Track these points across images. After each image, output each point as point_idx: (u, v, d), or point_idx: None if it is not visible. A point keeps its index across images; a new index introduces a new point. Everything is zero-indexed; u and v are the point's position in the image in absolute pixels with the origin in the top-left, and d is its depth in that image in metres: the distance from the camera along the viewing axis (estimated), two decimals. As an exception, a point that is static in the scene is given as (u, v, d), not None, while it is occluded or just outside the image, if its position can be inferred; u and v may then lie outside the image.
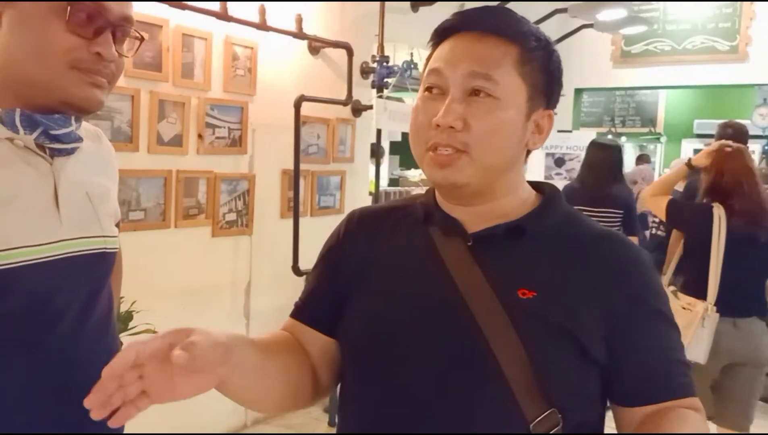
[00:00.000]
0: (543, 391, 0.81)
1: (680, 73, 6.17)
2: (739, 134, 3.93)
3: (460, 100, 0.85)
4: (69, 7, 0.92)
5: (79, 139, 1.04)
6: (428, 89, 0.89)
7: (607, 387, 0.87)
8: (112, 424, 0.74)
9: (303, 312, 0.99)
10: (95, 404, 0.72)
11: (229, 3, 2.99)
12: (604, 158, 3.79)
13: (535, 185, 0.98)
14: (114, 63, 0.99)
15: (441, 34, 0.90)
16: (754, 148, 9.71)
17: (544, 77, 0.90)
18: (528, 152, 0.94)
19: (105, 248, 1.09)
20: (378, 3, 3.80)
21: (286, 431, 3.50)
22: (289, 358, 0.94)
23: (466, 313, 0.84)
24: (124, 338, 2.46)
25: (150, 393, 0.75)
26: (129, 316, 2.38)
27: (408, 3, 4.39)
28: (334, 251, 1.01)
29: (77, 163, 1.05)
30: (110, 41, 0.97)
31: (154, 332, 2.53)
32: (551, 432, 0.81)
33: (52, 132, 0.97)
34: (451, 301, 0.85)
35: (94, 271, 1.07)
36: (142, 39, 1.07)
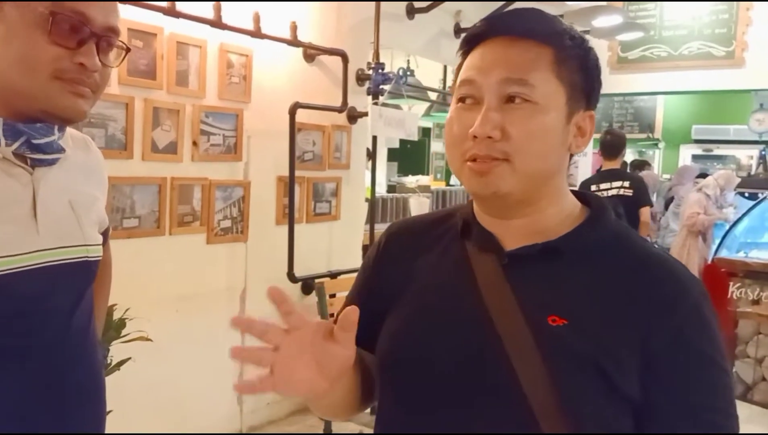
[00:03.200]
0: (569, 425, 0.77)
1: (677, 79, 6.18)
2: (618, 140, 4.80)
3: (497, 108, 0.82)
4: (51, 19, 0.93)
5: (61, 150, 1.04)
6: (461, 99, 0.86)
7: (639, 428, 0.80)
8: (238, 390, 0.78)
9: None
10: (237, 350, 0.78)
11: (223, 10, 3.00)
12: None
13: (581, 197, 0.92)
14: (98, 73, 1.00)
15: (470, 42, 0.87)
16: (752, 153, 9.77)
17: (583, 76, 0.86)
18: (570, 157, 0.89)
19: (87, 257, 1.09)
20: (373, 10, 3.81)
21: (281, 438, 3.49)
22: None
23: (493, 337, 0.81)
24: (117, 346, 2.47)
25: (275, 371, 0.77)
26: (122, 323, 2.37)
27: (404, 10, 4.40)
28: (369, 268, 1.01)
29: (60, 172, 1.05)
30: (93, 52, 0.98)
31: (148, 340, 2.50)
32: None
33: (35, 141, 0.98)
34: (479, 322, 0.82)
35: (75, 279, 1.08)
36: (127, 50, 1.08)
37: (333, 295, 3.64)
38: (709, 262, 5.10)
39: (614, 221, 0.89)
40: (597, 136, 9.63)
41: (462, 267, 0.88)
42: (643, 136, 10.07)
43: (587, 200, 0.92)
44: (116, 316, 2.36)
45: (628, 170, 5.30)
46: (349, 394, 0.90)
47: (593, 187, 4.63)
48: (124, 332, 2.40)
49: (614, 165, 4.78)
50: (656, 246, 4.15)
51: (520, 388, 0.78)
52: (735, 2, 5.83)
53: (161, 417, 2.98)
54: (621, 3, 6.29)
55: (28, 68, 0.94)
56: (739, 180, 4.93)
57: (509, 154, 0.81)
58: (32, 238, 0.98)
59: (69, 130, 1.11)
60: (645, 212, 4.59)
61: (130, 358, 2.40)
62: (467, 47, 0.88)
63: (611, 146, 4.78)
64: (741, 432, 0.82)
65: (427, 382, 0.85)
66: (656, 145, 10.44)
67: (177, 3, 2.81)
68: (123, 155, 2.77)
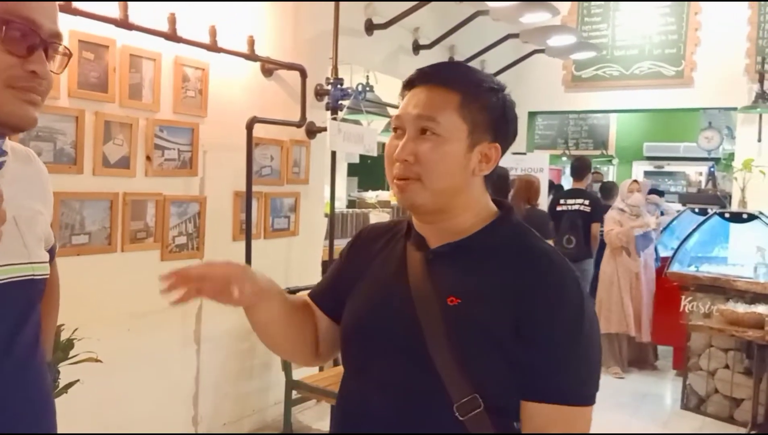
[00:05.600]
0: (465, 380, 1.01)
1: (629, 98, 6.36)
2: (583, 164, 5.90)
3: (413, 139, 1.07)
4: (4, 27, 0.90)
5: (4, 153, 1.01)
6: (394, 130, 1.11)
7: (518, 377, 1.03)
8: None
9: (316, 295, 1.28)
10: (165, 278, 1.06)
11: (178, 23, 2.95)
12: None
13: (497, 202, 1.17)
14: (46, 80, 0.97)
15: (405, 87, 1.12)
16: (701, 169, 10.09)
17: (486, 116, 1.09)
18: (488, 176, 1.13)
19: (33, 275, 1.04)
20: (332, 24, 3.81)
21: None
22: (304, 318, 1.24)
23: (413, 316, 1.06)
24: (65, 368, 2.37)
25: (204, 288, 1.08)
26: (69, 344, 2.28)
27: (363, 25, 4.42)
28: (343, 255, 1.29)
29: (3, 186, 1.00)
30: (44, 59, 0.96)
31: (98, 361, 2.41)
32: (472, 412, 1.01)
33: None
34: (405, 303, 1.08)
35: (21, 298, 1.03)
36: (70, 55, 1.05)
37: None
38: (652, 273, 5.25)
39: (516, 223, 1.14)
40: (557, 154, 9.79)
41: (399, 262, 1.15)
42: (598, 152, 10.31)
43: (501, 206, 1.16)
44: (64, 336, 2.28)
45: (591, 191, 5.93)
46: (274, 324, 1.19)
47: (561, 201, 5.56)
48: (72, 353, 2.31)
49: (580, 185, 5.70)
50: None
51: (429, 355, 1.03)
52: (684, 23, 6.03)
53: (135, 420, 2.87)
54: (574, 23, 6.45)
55: None
56: (650, 184, 5.25)
57: (420, 175, 1.06)
58: None
59: (10, 143, 1.06)
60: (595, 227, 5.40)
61: (78, 381, 2.31)
62: (404, 91, 1.13)
63: (577, 169, 5.76)
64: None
65: (365, 347, 1.13)
66: (610, 161, 10.69)
67: (130, 15, 2.75)
68: (72, 170, 2.68)
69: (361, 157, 6.92)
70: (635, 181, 5.47)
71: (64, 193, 2.65)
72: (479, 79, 1.11)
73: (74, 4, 2.50)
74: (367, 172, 8.80)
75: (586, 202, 5.47)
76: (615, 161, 10.74)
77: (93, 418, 2.73)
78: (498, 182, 5.15)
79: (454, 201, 1.10)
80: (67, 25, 2.50)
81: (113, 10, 2.71)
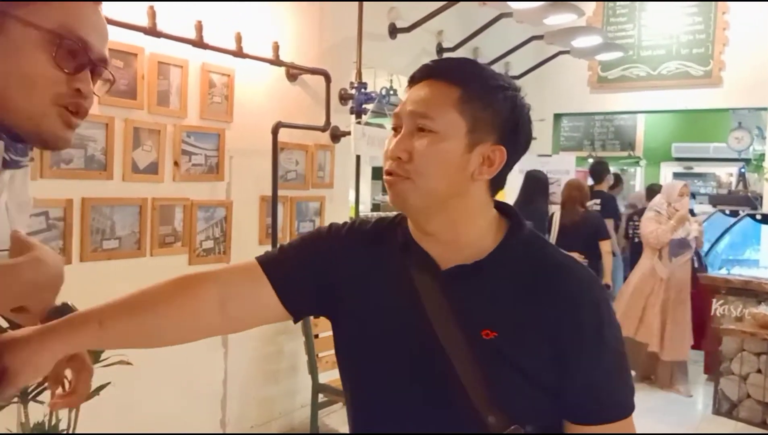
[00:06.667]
0: (504, 413, 0.96)
1: (656, 98, 6.27)
2: (601, 167, 6.16)
3: (409, 135, 1.00)
4: (58, 41, 0.92)
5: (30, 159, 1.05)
6: (394, 129, 1.05)
7: (556, 408, 1.00)
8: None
9: (269, 265, 1.10)
10: None
11: (205, 30, 2.99)
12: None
13: (498, 206, 1.08)
14: (88, 99, 1.00)
15: (409, 83, 1.06)
16: (731, 170, 9.90)
17: (489, 115, 1.00)
18: (494, 183, 1.03)
19: None
20: (355, 29, 3.83)
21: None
22: (183, 302, 1.07)
23: (438, 347, 0.98)
24: (96, 370, 2.40)
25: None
26: (100, 347, 2.32)
27: (386, 29, 4.43)
28: (326, 242, 1.13)
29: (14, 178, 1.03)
30: (89, 79, 0.97)
31: (128, 364, 2.44)
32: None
33: (8, 155, 0.96)
34: (425, 334, 0.99)
35: None
36: (113, 82, 1.07)
37: (317, 316, 3.60)
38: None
39: (528, 233, 1.06)
40: (582, 155, 9.69)
41: (406, 285, 1.03)
42: (625, 154, 10.18)
43: (507, 213, 1.08)
44: (94, 339, 2.31)
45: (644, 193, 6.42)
46: (133, 338, 1.09)
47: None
48: (103, 356, 2.35)
49: (601, 187, 5.92)
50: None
51: (463, 387, 0.96)
52: (712, 23, 5.94)
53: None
54: (599, 24, 6.39)
55: (28, 87, 0.93)
56: (683, 184, 5.00)
57: (410, 173, 0.98)
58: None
59: None
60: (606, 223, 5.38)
61: (109, 383, 2.34)
62: (408, 87, 1.06)
63: (596, 172, 6.01)
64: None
65: (384, 385, 1.04)
66: (637, 163, 10.55)
67: (158, 23, 2.80)
68: (102, 176, 2.74)
69: (386, 160, 6.96)
70: (686, 184, 5.05)
71: (95, 198, 2.70)
72: (485, 75, 1.03)
73: (105, 13, 2.55)
74: (391, 175, 8.82)
75: (598, 201, 5.55)
76: (642, 163, 10.59)
77: (123, 420, 2.77)
78: (537, 186, 5.16)
79: (450, 206, 1.01)
80: (97, 34, 2.55)
81: (141, 19, 2.76)
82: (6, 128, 0.95)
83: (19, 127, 0.95)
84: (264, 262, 1.10)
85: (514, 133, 1.03)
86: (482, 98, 1.00)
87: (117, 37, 2.70)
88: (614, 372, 1.01)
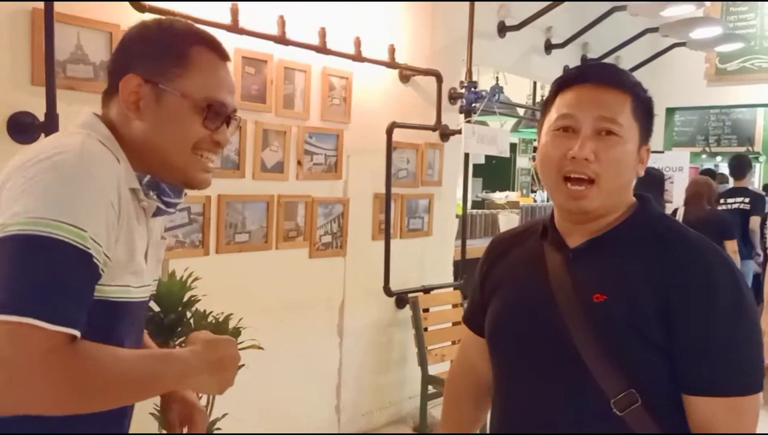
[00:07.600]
0: (619, 375, 1.02)
1: (780, 91, 5.92)
2: (744, 162, 5.66)
3: (592, 138, 1.08)
4: (208, 108, 1.09)
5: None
6: (561, 129, 1.11)
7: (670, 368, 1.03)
8: None
9: (468, 320, 1.37)
10: None
11: (327, 36, 3.16)
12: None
13: (637, 196, 1.19)
14: (224, 147, 1.18)
15: (563, 85, 1.13)
16: None
17: (648, 119, 1.14)
18: (646, 178, 1.21)
19: (153, 292, 1.25)
20: (466, 29, 3.90)
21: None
22: (472, 401, 1.38)
23: (557, 315, 1.09)
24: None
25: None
26: (237, 332, 2.52)
27: (495, 28, 4.46)
28: (479, 271, 1.33)
29: (158, 224, 1.21)
30: (226, 130, 1.15)
31: (260, 348, 2.63)
32: (630, 407, 1.01)
33: (166, 199, 1.14)
34: (547, 303, 1.11)
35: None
36: (240, 126, 1.23)
37: (426, 310, 3.72)
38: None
39: (658, 213, 1.16)
40: (696, 151, 9.15)
41: (538, 263, 1.16)
42: (743, 149, 9.60)
43: (640, 199, 1.17)
44: (231, 324, 2.52)
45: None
46: None
47: (722, 200, 5.47)
48: (239, 340, 2.56)
49: (742, 183, 5.65)
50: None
51: (578, 353, 1.04)
52: None
53: (267, 420, 3.13)
54: (719, 14, 6.10)
55: (181, 146, 1.10)
56: None
57: (598, 175, 1.07)
58: (143, 275, 1.13)
59: None
60: (753, 220, 5.35)
61: (243, 365, 2.54)
62: (558, 89, 1.14)
63: (737, 168, 5.69)
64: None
65: (510, 350, 1.19)
66: (757, 158, 9.92)
67: (286, 32, 2.99)
68: (236, 174, 2.97)
69: (486, 157, 6.95)
70: None
71: (230, 195, 2.93)
72: (640, 84, 1.14)
73: (241, 24, 2.77)
74: (492, 173, 8.78)
75: (746, 199, 5.31)
76: (762, 158, 9.95)
77: (251, 399, 2.99)
78: (652, 183, 4.99)
79: (615, 201, 1.11)
80: (233, 43, 2.78)
81: (272, 27, 2.96)
82: (159, 175, 1.12)
83: (168, 175, 1.12)
84: (466, 320, 1.38)
85: (650, 132, 1.17)
86: (644, 104, 1.13)
87: (249, 45, 2.91)
88: (743, 343, 1.01)
